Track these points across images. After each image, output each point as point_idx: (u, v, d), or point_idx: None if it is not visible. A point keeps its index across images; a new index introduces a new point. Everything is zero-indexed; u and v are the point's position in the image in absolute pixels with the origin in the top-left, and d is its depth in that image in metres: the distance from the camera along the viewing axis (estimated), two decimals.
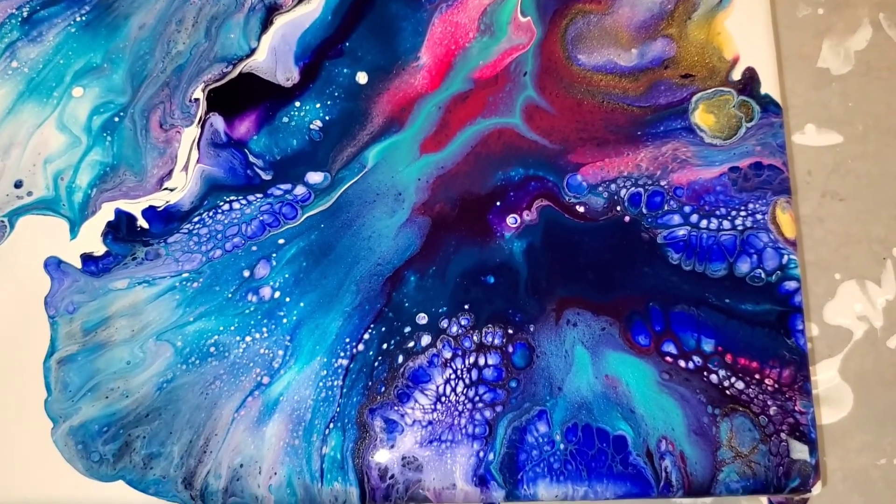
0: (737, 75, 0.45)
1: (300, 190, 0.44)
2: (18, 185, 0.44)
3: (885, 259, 0.50)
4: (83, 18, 0.45)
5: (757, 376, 0.41)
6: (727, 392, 0.41)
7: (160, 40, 0.45)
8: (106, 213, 0.44)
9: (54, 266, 0.43)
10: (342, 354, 0.42)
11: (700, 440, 0.41)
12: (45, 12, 0.45)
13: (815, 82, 0.52)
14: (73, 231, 0.43)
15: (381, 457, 0.41)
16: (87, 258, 0.43)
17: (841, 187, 0.51)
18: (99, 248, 0.43)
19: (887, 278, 0.50)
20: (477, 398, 0.42)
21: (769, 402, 0.41)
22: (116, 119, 0.44)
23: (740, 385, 0.41)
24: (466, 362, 0.42)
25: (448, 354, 0.42)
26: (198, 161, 0.44)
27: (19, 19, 0.45)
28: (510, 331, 0.42)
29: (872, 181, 0.51)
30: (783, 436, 0.41)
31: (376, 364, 0.42)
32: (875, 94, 0.52)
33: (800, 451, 0.41)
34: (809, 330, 0.49)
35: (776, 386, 0.41)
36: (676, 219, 0.43)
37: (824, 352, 0.49)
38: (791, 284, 0.42)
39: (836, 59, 0.53)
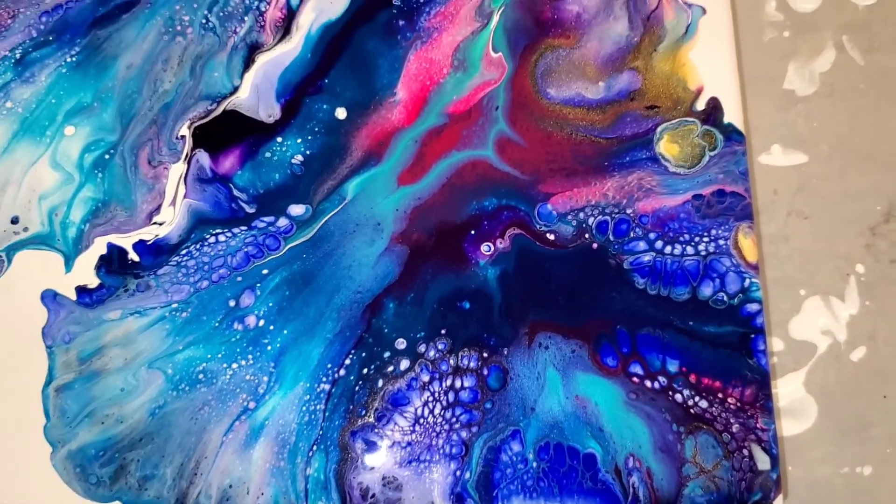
0: (701, 105, 0.46)
1: (283, 222, 0.46)
2: (15, 221, 0.46)
3: (848, 275, 0.52)
4: (73, 59, 0.47)
5: (720, 395, 0.43)
6: (691, 411, 0.43)
7: (147, 79, 0.47)
8: (98, 247, 0.45)
9: (50, 298, 0.45)
10: (324, 379, 0.44)
11: (666, 457, 0.43)
12: (37, 53, 0.47)
13: (780, 104, 0.54)
14: (68, 265, 0.45)
15: (363, 476, 0.43)
16: (81, 290, 0.45)
17: (806, 206, 0.53)
18: (93, 281, 0.45)
19: (850, 294, 0.52)
20: (454, 419, 0.44)
21: (732, 420, 0.43)
22: (107, 156, 0.46)
23: (704, 404, 0.43)
24: (443, 385, 0.44)
25: (426, 378, 0.44)
26: (185, 196, 0.46)
27: (12, 61, 0.47)
28: (485, 354, 0.44)
29: (836, 200, 0.53)
30: (746, 453, 0.43)
31: (357, 388, 0.44)
32: (839, 114, 0.54)
33: (763, 461, 0.43)
34: (775, 345, 0.51)
35: (739, 404, 0.43)
36: (642, 245, 0.45)
37: (789, 365, 0.51)
38: (753, 307, 0.44)
39: (802, 80, 0.54)
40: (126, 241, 0.45)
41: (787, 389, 0.50)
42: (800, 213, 0.52)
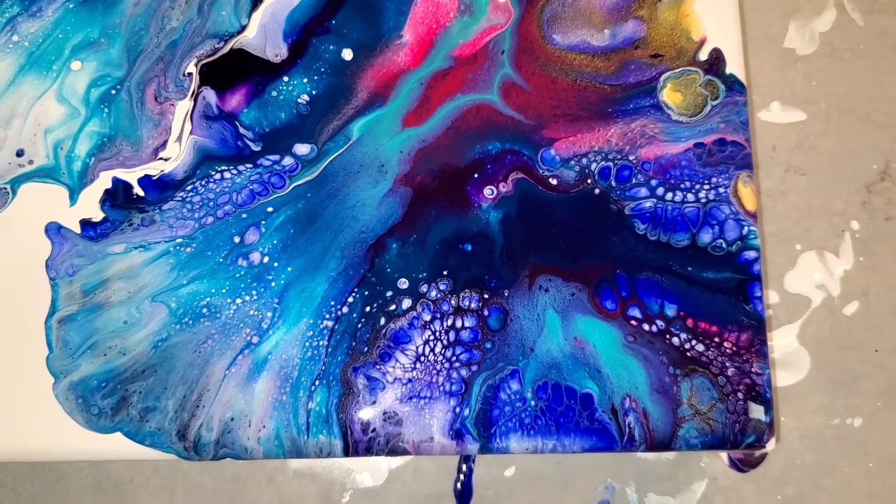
0: (703, 56, 0.47)
1: (288, 161, 0.46)
2: (20, 153, 0.46)
3: (843, 231, 0.52)
4: None
5: (716, 339, 0.44)
6: (688, 354, 0.44)
7: (155, 16, 0.47)
8: (104, 182, 0.46)
9: (55, 231, 0.45)
10: (327, 316, 0.44)
11: (662, 398, 0.43)
12: None
13: (781, 62, 0.55)
14: (73, 198, 0.46)
15: (365, 411, 0.43)
16: (85, 224, 0.45)
17: (803, 163, 0.53)
18: (97, 215, 0.45)
19: (845, 250, 0.52)
20: (454, 358, 0.44)
21: (727, 364, 0.44)
22: (113, 92, 0.46)
23: (700, 347, 0.44)
24: (444, 324, 0.44)
25: (427, 317, 0.44)
26: (191, 132, 0.46)
27: None
28: (486, 295, 0.45)
29: (833, 158, 0.53)
30: (741, 396, 0.43)
31: (359, 326, 0.44)
32: (838, 74, 0.54)
33: (756, 411, 0.44)
34: (770, 298, 0.51)
35: (734, 349, 0.44)
36: (643, 191, 0.46)
37: (784, 318, 0.52)
38: (750, 254, 0.45)
39: (802, 40, 0.55)
40: (131, 176, 0.46)
41: (782, 342, 0.51)
42: (797, 170, 0.53)
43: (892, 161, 0.53)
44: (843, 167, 0.53)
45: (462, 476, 0.49)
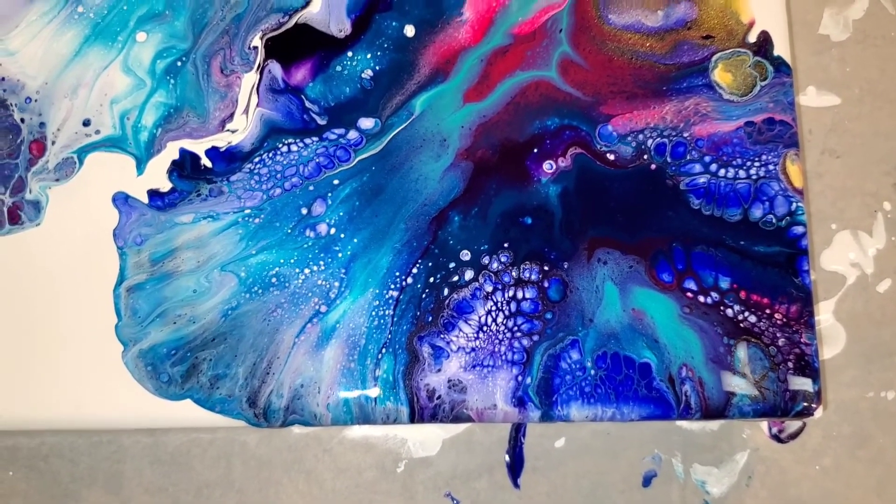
0: (752, 38, 0.48)
1: (353, 135, 0.47)
2: (87, 123, 0.46)
3: (876, 212, 0.54)
4: None
5: (767, 311, 0.46)
6: (741, 325, 0.45)
7: None
8: (171, 152, 0.46)
9: (122, 200, 0.46)
10: (392, 287, 0.45)
11: (716, 367, 0.45)
12: None
13: (816, 48, 0.56)
14: (140, 168, 0.46)
15: (430, 378, 0.44)
16: (153, 194, 0.46)
17: (838, 145, 0.55)
18: (165, 185, 0.46)
19: (878, 229, 0.54)
20: (515, 328, 0.45)
21: (778, 334, 0.45)
22: (179, 63, 0.47)
23: (753, 318, 0.45)
24: (506, 295, 0.45)
25: (489, 288, 0.46)
26: (257, 105, 0.47)
27: None
28: (546, 267, 0.46)
29: (866, 140, 0.55)
30: (791, 365, 0.45)
31: (424, 296, 0.45)
32: (870, 60, 0.56)
33: (798, 383, 0.45)
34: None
35: (784, 320, 0.45)
36: (697, 168, 0.47)
37: (821, 295, 0.53)
38: (798, 229, 0.46)
39: (836, 27, 0.57)
40: (198, 147, 0.46)
41: (819, 317, 0.53)
42: (832, 152, 0.55)
43: None
44: (875, 150, 0.55)
45: (514, 447, 0.50)
